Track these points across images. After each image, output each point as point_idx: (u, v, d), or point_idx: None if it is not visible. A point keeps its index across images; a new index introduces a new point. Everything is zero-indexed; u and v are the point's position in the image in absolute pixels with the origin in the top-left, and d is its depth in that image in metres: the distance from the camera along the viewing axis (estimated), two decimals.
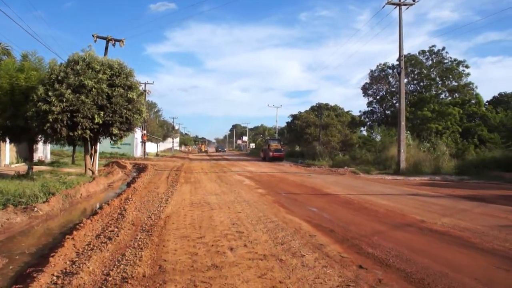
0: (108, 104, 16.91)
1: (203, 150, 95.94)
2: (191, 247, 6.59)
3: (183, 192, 14.64)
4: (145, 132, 51.17)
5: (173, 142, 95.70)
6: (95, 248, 6.47)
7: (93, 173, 18.99)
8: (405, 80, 50.13)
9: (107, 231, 7.79)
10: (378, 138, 46.50)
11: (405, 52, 28.05)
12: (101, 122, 16.70)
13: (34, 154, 31.55)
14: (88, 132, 16.67)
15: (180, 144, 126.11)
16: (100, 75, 16.85)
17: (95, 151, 19.79)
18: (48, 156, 35.78)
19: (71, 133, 16.48)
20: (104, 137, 18.86)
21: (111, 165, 29.01)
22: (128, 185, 17.96)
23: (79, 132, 16.41)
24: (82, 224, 8.46)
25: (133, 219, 9.05)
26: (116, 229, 7.87)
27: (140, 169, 29.22)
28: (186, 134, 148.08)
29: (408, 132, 36.67)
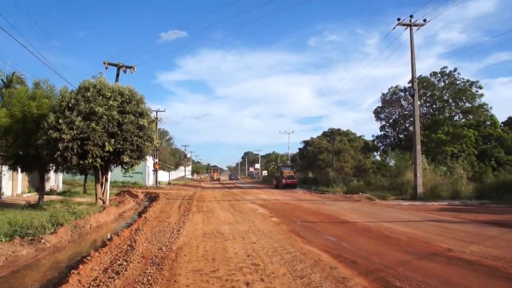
0: (118, 132, 16.70)
1: (215, 178, 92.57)
2: (204, 282, 6.15)
3: (196, 222, 14.21)
4: (157, 160, 51.04)
5: (185, 170, 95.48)
6: (102, 284, 6.06)
7: (103, 202, 18.67)
8: (418, 103, 49.77)
9: (115, 264, 7.38)
10: (392, 162, 45.82)
11: (416, 74, 27.67)
12: (111, 150, 16.46)
13: (46, 184, 31.54)
14: (99, 160, 16.42)
15: (192, 172, 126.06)
16: (111, 102, 16.70)
17: (106, 180, 19.52)
18: (60, 185, 35.68)
19: (81, 162, 16.24)
20: (115, 165, 18.57)
21: (123, 194, 28.71)
22: (139, 215, 17.57)
23: (90, 161, 16.16)
24: (89, 257, 8.06)
25: (143, 251, 8.64)
26: (125, 263, 7.46)
27: (152, 198, 28.87)
28: (198, 162, 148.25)
29: (423, 155, 36.01)
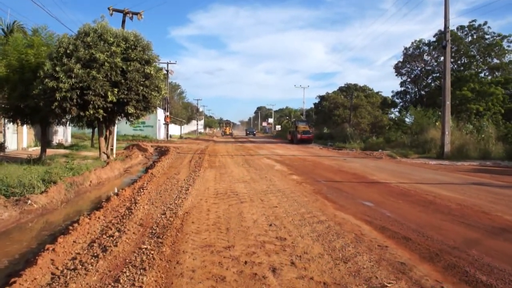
0: (122, 80, 15.06)
1: (227, 133, 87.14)
2: (215, 265, 4.64)
3: (207, 179, 12.75)
4: (168, 113, 49.55)
5: (197, 124, 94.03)
6: (80, 267, 4.57)
7: (108, 157, 17.27)
8: (442, 58, 47.04)
9: (105, 235, 5.92)
10: (409, 119, 43.79)
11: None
12: (115, 100, 14.90)
13: (54, 137, 30.53)
14: (101, 111, 14.89)
15: (205, 126, 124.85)
16: (114, 48, 14.98)
17: (110, 133, 18.06)
18: (69, 139, 34.59)
19: (81, 113, 14.74)
20: (120, 117, 17.02)
21: (131, 148, 27.33)
22: (146, 170, 16.15)
23: (91, 112, 14.64)
24: (76, 225, 6.62)
25: (142, 217, 7.16)
26: (117, 233, 5.99)
27: (162, 152, 27.50)
28: (210, 116, 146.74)
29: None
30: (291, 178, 13.13)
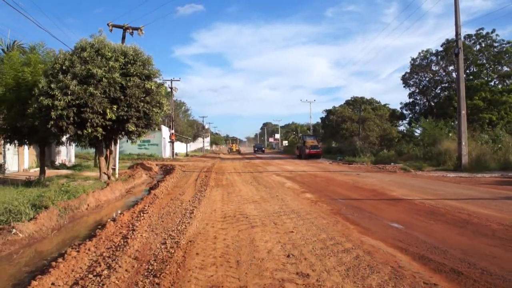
0: (122, 97, 14.25)
1: (234, 150, 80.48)
2: None
3: (213, 200, 11.78)
4: (173, 131, 48.75)
5: (203, 141, 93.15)
6: None
7: (108, 177, 16.35)
8: (451, 68, 46.11)
9: (91, 275, 4.94)
10: (417, 131, 42.54)
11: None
12: (114, 117, 14.06)
13: (57, 157, 29.76)
14: (100, 130, 14.04)
15: (211, 143, 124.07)
16: (112, 63, 14.20)
17: (111, 152, 17.14)
18: (73, 159, 33.80)
19: (79, 132, 13.89)
20: (120, 135, 16.13)
21: (135, 167, 26.43)
22: (150, 190, 15.23)
23: (89, 130, 13.79)
24: (60, 260, 5.66)
25: (139, 248, 6.19)
26: (106, 271, 5.02)
27: (167, 171, 26.60)
28: (216, 133, 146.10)
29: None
30: (305, 197, 12.12)
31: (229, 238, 6.78)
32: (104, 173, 16.22)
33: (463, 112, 23.17)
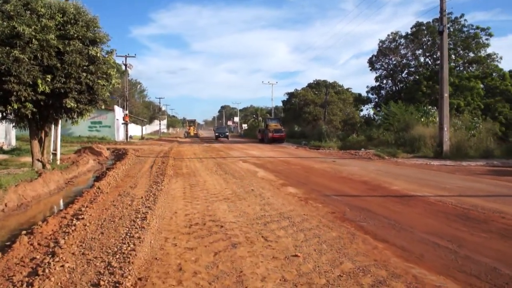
0: (58, 65, 11.35)
1: (192, 134, 69.97)
2: None
3: (173, 196, 9.25)
4: (127, 112, 45.14)
5: (160, 124, 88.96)
6: None
7: (44, 165, 13.37)
8: (418, 52, 44.87)
9: None
10: (377, 116, 41.19)
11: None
12: (48, 90, 11.17)
13: None
14: (30, 105, 11.14)
15: (168, 126, 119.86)
16: (45, 21, 11.23)
17: (46, 134, 14.10)
18: (13, 142, 29.76)
19: (1, 108, 10.95)
20: (59, 113, 13.11)
21: (83, 152, 23.21)
22: (95, 181, 12.49)
23: (15, 106, 10.86)
24: None
25: None
26: None
27: (119, 155, 23.59)
28: (173, 116, 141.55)
29: (435, 108, 31.62)
30: (288, 192, 9.77)
31: (203, 271, 4.33)
32: (38, 159, 13.23)
33: (446, 95, 21.60)
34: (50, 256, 4.87)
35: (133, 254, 4.83)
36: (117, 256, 4.81)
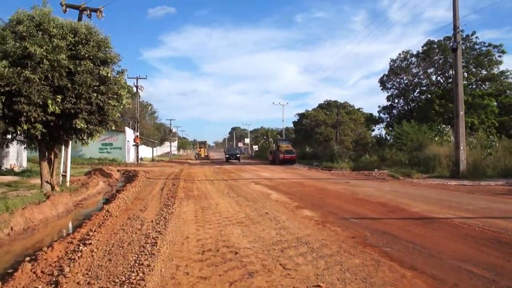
0: (69, 85, 11.28)
1: (202, 156, 68.15)
2: None
3: (184, 220, 8.90)
4: (137, 134, 45.14)
5: (170, 146, 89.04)
6: None
7: (52, 187, 13.13)
8: (430, 70, 44.53)
9: None
10: (389, 136, 40.63)
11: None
12: (58, 111, 11.02)
13: (5, 161, 25.88)
14: (39, 126, 10.99)
15: (178, 148, 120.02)
16: (57, 41, 11.15)
17: (56, 156, 13.91)
18: (24, 163, 29.77)
19: (11, 129, 10.78)
20: (68, 134, 12.91)
21: (93, 174, 23.03)
22: (105, 203, 12.21)
23: (24, 127, 10.69)
24: None
25: None
26: None
27: (130, 177, 23.39)
28: (184, 138, 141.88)
29: (449, 127, 31.12)
30: (303, 215, 9.37)
31: None
32: (47, 181, 13.00)
33: (462, 113, 21.20)
34: (53, 286, 4.53)
35: (142, 285, 4.48)
36: (125, 287, 4.46)
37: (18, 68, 10.40)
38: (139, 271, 4.97)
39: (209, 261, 5.51)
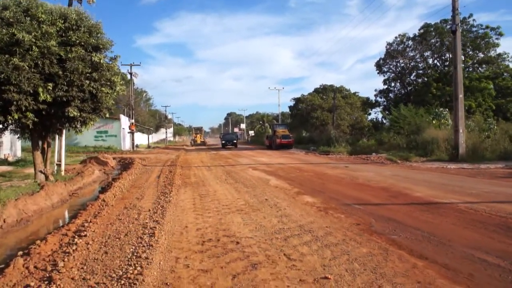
0: (60, 72, 10.87)
1: (198, 142, 67.75)
2: None
3: (183, 208, 8.67)
4: (132, 121, 44.68)
5: (166, 132, 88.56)
6: None
7: (46, 177, 12.84)
8: (427, 53, 44.14)
9: None
10: (385, 121, 40.41)
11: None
12: (49, 99, 10.67)
13: None
14: (31, 115, 10.64)
15: (174, 134, 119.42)
16: (46, 27, 10.75)
17: (49, 145, 13.60)
18: (18, 153, 29.34)
19: (1, 118, 10.46)
20: (60, 123, 12.58)
21: (88, 162, 22.70)
22: (101, 192, 11.95)
23: (15, 116, 10.35)
24: None
25: None
26: None
27: (126, 165, 23.09)
28: (179, 124, 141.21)
29: (447, 110, 30.91)
30: (305, 201, 9.15)
31: None
32: (41, 171, 12.70)
33: (461, 96, 20.92)
34: (46, 282, 4.29)
35: (140, 279, 4.25)
36: (122, 282, 4.23)
37: (6, 56, 10.00)
38: (136, 265, 4.74)
39: (210, 252, 5.29)
